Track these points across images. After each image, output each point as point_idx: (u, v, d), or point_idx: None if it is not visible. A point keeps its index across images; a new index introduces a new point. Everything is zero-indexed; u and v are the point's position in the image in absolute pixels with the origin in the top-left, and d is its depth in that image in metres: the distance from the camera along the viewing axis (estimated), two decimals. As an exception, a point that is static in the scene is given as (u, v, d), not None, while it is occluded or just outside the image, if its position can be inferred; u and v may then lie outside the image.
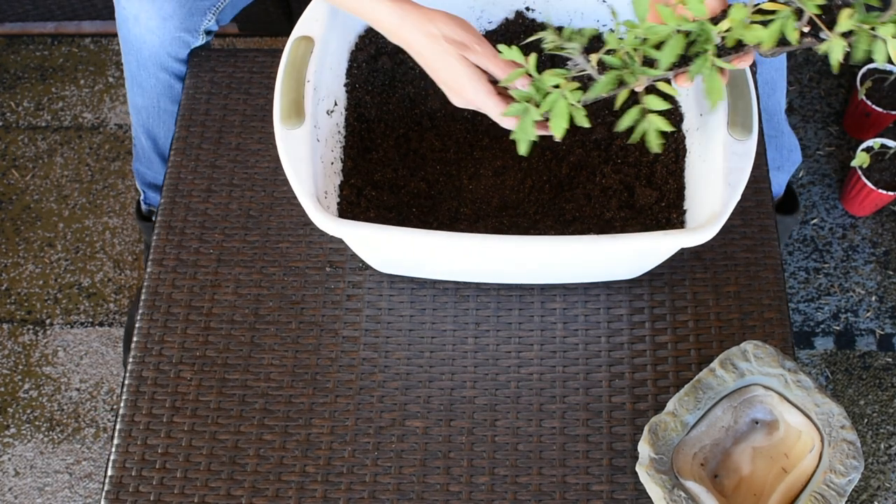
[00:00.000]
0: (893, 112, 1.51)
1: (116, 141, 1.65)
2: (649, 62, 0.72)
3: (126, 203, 1.59)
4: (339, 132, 0.94)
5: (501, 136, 0.98)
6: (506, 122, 0.80)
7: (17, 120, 1.68)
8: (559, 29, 0.99)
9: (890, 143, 1.47)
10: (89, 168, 1.63)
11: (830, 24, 0.64)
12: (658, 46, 0.70)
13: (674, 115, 0.95)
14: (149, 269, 0.99)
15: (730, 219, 0.96)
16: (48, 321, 1.50)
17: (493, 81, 0.80)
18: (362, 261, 0.98)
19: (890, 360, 1.44)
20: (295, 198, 1.01)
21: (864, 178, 1.45)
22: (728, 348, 0.89)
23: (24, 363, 1.47)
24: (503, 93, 0.80)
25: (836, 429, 0.83)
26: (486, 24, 1.01)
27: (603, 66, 0.73)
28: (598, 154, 0.97)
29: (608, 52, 0.73)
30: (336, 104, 0.94)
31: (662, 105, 0.71)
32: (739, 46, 0.69)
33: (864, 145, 1.47)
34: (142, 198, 1.40)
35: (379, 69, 0.99)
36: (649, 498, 0.86)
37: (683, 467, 0.84)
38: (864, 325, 1.46)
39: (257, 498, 0.88)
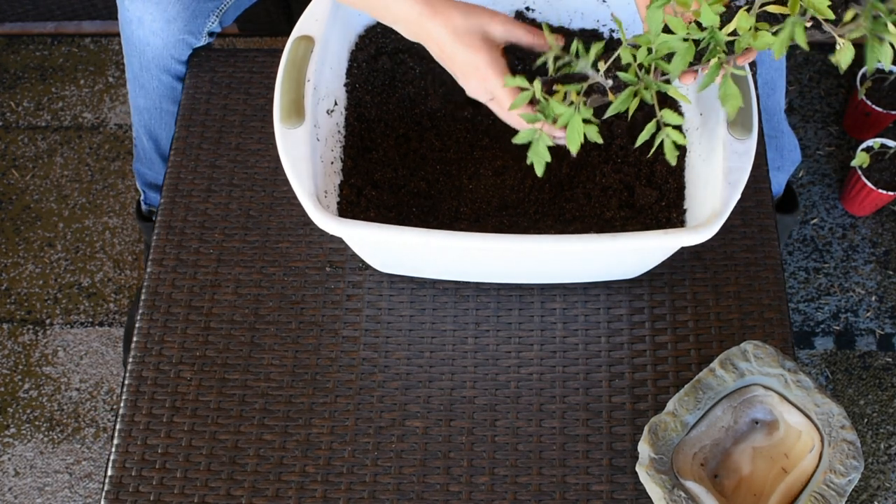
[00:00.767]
0: (893, 112, 1.51)
1: (116, 141, 1.65)
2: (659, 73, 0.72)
3: (126, 203, 1.59)
4: (339, 132, 0.94)
5: (501, 136, 0.98)
6: (511, 118, 0.80)
7: (17, 120, 1.68)
8: (559, 30, 0.99)
9: (890, 143, 1.47)
10: (89, 168, 1.63)
11: (836, 22, 0.64)
12: (667, 56, 0.70)
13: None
14: (149, 269, 0.99)
15: (730, 218, 0.96)
16: (48, 321, 1.50)
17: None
18: (362, 261, 0.98)
19: (890, 360, 1.44)
20: (295, 198, 1.01)
21: (864, 177, 1.45)
22: (728, 348, 0.89)
23: (24, 363, 1.47)
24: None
25: (836, 429, 0.83)
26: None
27: (616, 80, 0.73)
28: (598, 154, 0.97)
29: (619, 66, 0.73)
30: (336, 104, 0.94)
31: (678, 120, 0.71)
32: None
33: (864, 145, 1.47)
34: (142, 198, 1.40)
35: (379, 69, 0.99)
36: (649, 498, 0.86)
37: (683, 467, 0.84)
38: (864, 325, 1.46)
39: (257, 498, 0.88)
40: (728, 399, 0.86)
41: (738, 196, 0.82)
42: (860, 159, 1.41)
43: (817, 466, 0.83)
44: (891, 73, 1.53)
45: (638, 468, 0.84)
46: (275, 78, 1.05)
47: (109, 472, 0.89)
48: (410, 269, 0.96)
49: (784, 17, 0.66)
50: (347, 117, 0.96)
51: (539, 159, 0.76)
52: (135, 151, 1.31)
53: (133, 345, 0.95)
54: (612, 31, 0.99)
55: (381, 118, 0.98)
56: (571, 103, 0.73)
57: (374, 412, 0.91)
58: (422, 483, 0.88)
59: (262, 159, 1.05)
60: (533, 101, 0.76)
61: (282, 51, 0.91)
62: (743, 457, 0.86)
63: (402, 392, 0.92)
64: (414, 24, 0.81)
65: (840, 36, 0.63)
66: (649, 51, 0.70)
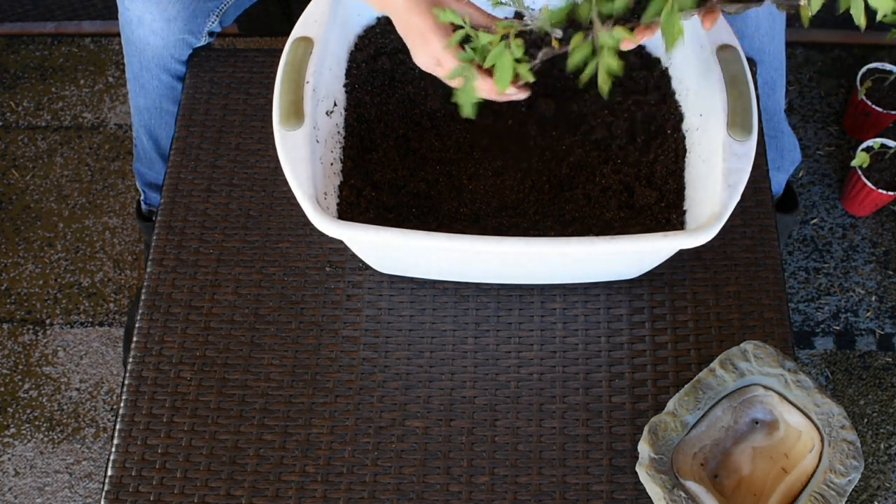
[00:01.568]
0: (893, 112, 1.51)
1: (116, 141, 1.65)
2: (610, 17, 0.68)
3: (126, 203, 1.59)
4: (338, 133, 0.94)
5: (501, 136, 0.98)
6: (453, 83, 0.80)
7: (17, 120, 1.68)
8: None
9: (890, 143, 1.47)
10: (89, 168, 1.63)
11: None
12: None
13: (674, 114, 0.95)
14: (149, 269, 0.99)
15: (730, 219, 0.96)
16: (48, 321, 1.50)
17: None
18: (362, 261, 0.98)
19: (890, 360, 1.44)
20: (295, 197, 1.00)
21: (863, 177, 1.45)
22: (728, 348, 0.89)
23: (24, 363, 1.47)
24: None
25: (836, 429, 0.83)
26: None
27: (566, 32, 0.70)
28: (598, 154, 0.97)
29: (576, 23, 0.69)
30: (335, 105, 0.94)
31: (615, 42, 0.67)
32: (702, 2, 0.67)
33: (864, 145, 1.47)
34: (142, 198, 1.40)
35: (378, 69, 0.99)
36: (649, 498, 0.86)
37: (683, 467, 0.84)
38: (864, 325, 1.46)
39: (257, 498, 0.88)
40: (728, 399, 0.86)
41: (737, 198, 0.82)
42: (860, 159, 1.41)
43: (817, 466, 0.83)
44: (891, 72, 1.53)
45: (638, 468, 0.84)
46: (275, 78, 1.05)
47: (109, 472, 0.89)
48: (410, 269, 0.96)
49: None
50: (347, 118, 0.96)
51: (468, 98, 0.73)
52: (135, 151, 1.31)
53: (133, 345, 0.95)
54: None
55: (381, 119, 0.98)
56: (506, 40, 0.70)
57: (374, 412, 0.91)
58: (422, 483, 0.88)
59: (261, 159, 1.05)
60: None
61: (281, 51, 0.91)
62: (743, 457, 0.86)
63: (402, 392, 0.92)
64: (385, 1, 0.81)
65: None
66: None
